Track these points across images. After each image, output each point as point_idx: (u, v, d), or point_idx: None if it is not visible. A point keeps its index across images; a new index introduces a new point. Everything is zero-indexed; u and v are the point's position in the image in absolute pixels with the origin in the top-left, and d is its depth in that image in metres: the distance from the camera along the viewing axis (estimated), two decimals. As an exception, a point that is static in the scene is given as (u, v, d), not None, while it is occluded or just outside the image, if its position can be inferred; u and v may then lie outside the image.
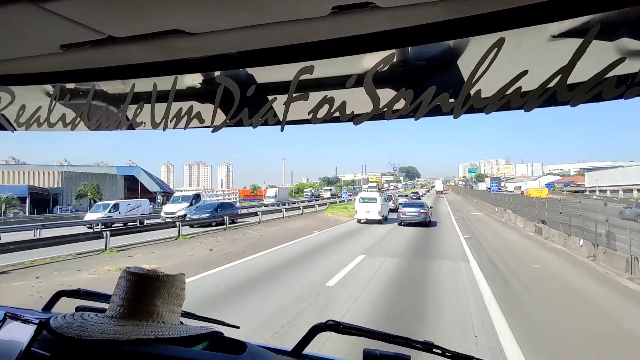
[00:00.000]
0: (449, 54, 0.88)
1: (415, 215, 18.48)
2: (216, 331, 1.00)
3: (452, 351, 0.99)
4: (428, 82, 0.87)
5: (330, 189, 77.74)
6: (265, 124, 1.05)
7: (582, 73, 0.73)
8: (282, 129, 1.05)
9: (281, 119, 1.03)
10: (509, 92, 0.79)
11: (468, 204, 43.26)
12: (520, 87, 0.79)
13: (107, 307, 1.22)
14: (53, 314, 1.17)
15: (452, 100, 0.85)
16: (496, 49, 0.79)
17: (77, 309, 1.24)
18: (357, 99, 0.95)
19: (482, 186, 78.21)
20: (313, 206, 32.73)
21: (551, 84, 0.76)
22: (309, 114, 1.00)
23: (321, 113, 0.99)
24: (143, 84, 1.16)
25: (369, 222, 19.76)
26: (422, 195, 50.43)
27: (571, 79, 0.74)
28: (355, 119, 0.96)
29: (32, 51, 0.91)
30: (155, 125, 1.18)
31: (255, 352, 0.90)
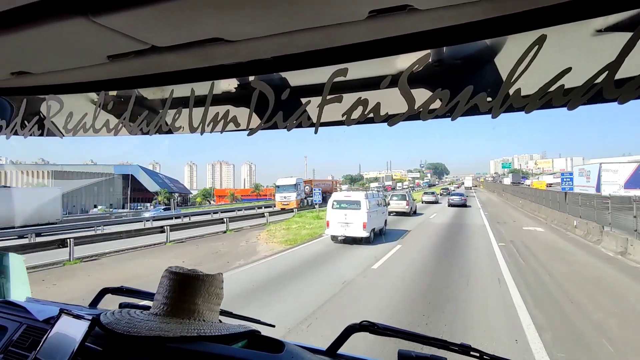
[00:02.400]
0: (487, 52, 0.89)
1: (459, 200, 29.73)
2: (254, 330, 1.05)
3: (489, 354, 1.00)
4: (465, 82, 0.88)
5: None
6: (300, 126, 1.09)
7: (631, 68, 0.72)
8: (316, 131, 1.08)
9: (315, 122, 1.07)
10: (551, 90, 0.79)
11: (510, 206, 29.83)
12: (563, 85, 0.78)
13: (147, 304, 1.31)
14: (101, 310, 1.27)
15: (490, 99, 0.86)
16: (537, 46, 0.79)
17: (121, 305, 1.34)
18: (391, 100, 0.97)
19: (506, 180, 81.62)
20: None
21: (597, 81, 0.75)
22: (342, 115, 1.03)
23: (355, 114, 1.02)
24: (181, 90, 1.24)
25: (352, 240, 12.37)
26: (440, 195, 46.88)
27: (619, 75, 0.73)
28: (390, 119, 0.98)
29: (81, 62, 0.99)
30: (193, 130, 1.25)
31: (292, 351, 0.95)
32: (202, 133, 1.24)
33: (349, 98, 1.02)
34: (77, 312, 1.13)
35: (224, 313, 1.30)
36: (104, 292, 1.50)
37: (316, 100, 1.06)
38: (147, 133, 1.33)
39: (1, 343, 1.03)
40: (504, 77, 0.84)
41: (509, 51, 0.85)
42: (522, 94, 0.83)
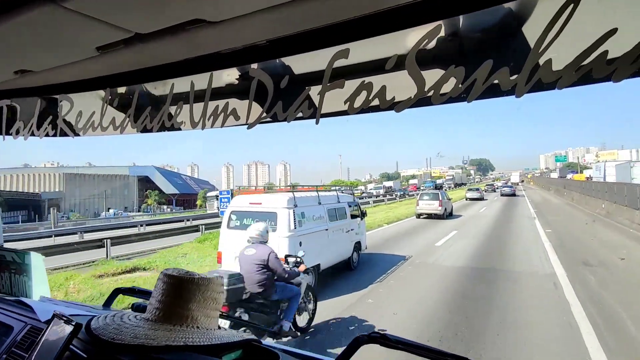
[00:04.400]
0: (508, 19, 0.76)
1: (509, 191, 39.03)
2: (251, 339, 0.99)
3: None
4: (483, 57, 0.76)
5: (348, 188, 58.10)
6: (300, 117, 1.02)
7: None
8: (317, 122, 1.00)
9: (316, 111, 0.99)
10: (589, 59, 0.65)
11: (585, 212, 19.88)
12: (606, 52, 0.64)
13: None
14: (104, 312, 1.28)
15: (514, 76, 0.73)
16: (572, 5, 0.66)
17: (132, 306, 1.34)
18: (398, 83, 0.87)
19: (553, 175, 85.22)
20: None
21: (651, 44, 0.61)
22: (345, 103, 0.95)
23: (358, 101, 0.93)
24: (181, 84, 1.21)
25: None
26: (485, 191, 43.69)
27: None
28: (397, 105, 0.88)
29: (72, 56, 0.99)
30: (194, 125, 1.22)
31: None
32: (203, 128, 1.21)
33: (352, 84, 0.93)
34: (71, 316, 1.14)
35: (227, 318, 1.26)
36: (117, 292, 1.52)
37: (317, 88, 0.99)
38: (151, 130, 1.32)
39: (6, 343, 1.05)
40: (530, 47, 0.71)
41: (536, 15, 0.71)
42: (554, 66, 0.69)
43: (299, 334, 4.36)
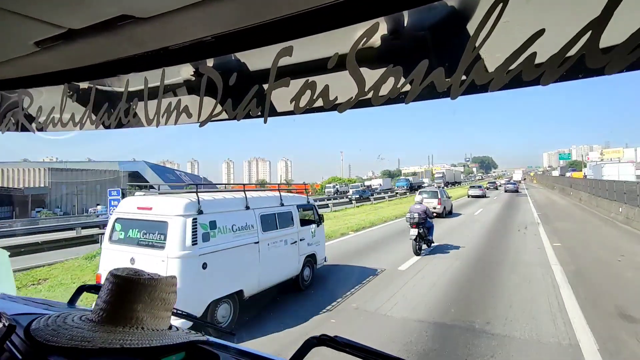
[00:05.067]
0: (444, 17, 0.74)
1: (512, 187, 41.85)
2: (196, 340, 0.98)
3: None
4: (419, 56, 0.74)
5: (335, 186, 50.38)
6: (248, 116, 1.00)
7: (618, 30, 0.55)
8: (265, 121, 0.99)
9: (264, 109, 0.98)
10: (518, 61, 0.63)
11: (599, 217, 16.95)
12: (534, 54, 0.62)
13: None
14: (70, 310, 1.27)
15: (449, 77, 0.71)
16: (501, 4, 0.63)
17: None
18: (340, 83, 0.85)
19: (554, 173, 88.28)
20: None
21: (577, 46, 0.58)
22: (290, 102, 0.93)
23: (303, 101, 0.91)
24: (135, 81, 1.19)
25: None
26: (487, 189, 42.90)
27: (605, 39, 0.56)
28: (339, 106, 0.86)
29: (11, 53, 0.97)
30: (149, 122, 1.21)
31: None
32: (157, 125, 1.19)
33: (297, 83, 0.91)
34: (29, 313, 1.12)
35: (183, 317, 1.26)
36: (81, 289, 1.51)
37: (265, 86, 0.97)
38: (109, 126, 1.30)
39: None
40: (463, 48, 0.68)
41: (470, 13, 0.69)
42: (487, 68, 0.67)
43: None
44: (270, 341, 4.40)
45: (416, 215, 8.94)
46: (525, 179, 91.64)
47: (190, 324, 2.86)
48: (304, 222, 6.67)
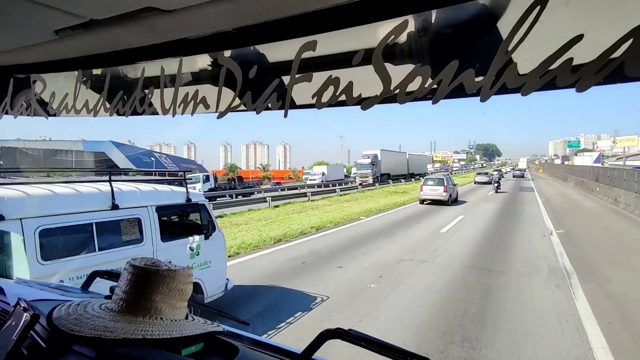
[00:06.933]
0: (476, 17, 0.73)
1: (519, 173, 53.32)
2: (214, 331, 1.01)
3: None
4: (449, 56, 0.73)
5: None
6: (268, 109, 1.00)
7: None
8: (285, 115, 0.98)
9: (284, 103, 0.97)
10: (554, 65, 0.63)
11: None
12: (571, 59, 0.61)
13: None
14: (79, 296, 1.30)
15: (479, 78, 0.71)
16: (538, 7, 0.62)
17: (111, 288, 1.36)
18: (365, 79, 0.84)
19: (557, 161, 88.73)
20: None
21: (617, 53, 0.58)
22: (312, 97, 0.92)
23: (326, 96, 0.90)
24: (151, 70, 1.19)
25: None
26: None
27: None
28: (364, 102, 0.86)
29: (30, 39, 0.97)
30: (165, 111, 1.21)
31: (247, 358, 0.89)
32: (173, 115, 1.19)
33: (320, 77, 0.91)
34: (46, 299, 1.15)
35: (199, 307, 1.29)
36: (94, 275, 1.54)
37: (286, 80, 0.96)
38: (124, 114, 1.30)
39: None
40: (496, 50, 0.68)
41: (504, 14, 0.68)
42: (519, 71, 0.67)
43: None
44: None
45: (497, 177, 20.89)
46: (529, 167, 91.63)
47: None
48: (176, 233, 4.46)
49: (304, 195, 22.91)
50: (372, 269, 7.38)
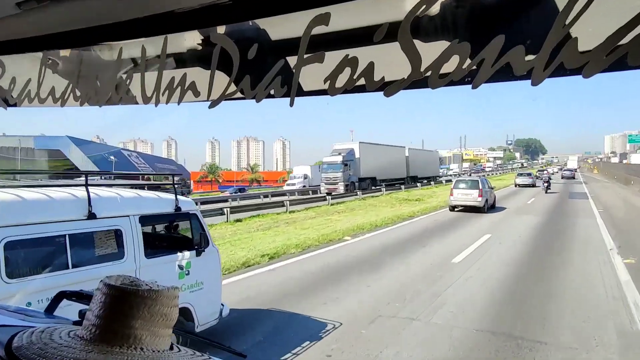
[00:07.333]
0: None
1: (569, 174, 57.76)
2: None
3: None
4: (493, 31, 0.73)
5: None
6: (270, 96, 1.00)
7: None
8: (291, 103, 0.98)
9: (290, 89, 0.97)
10: (625, 40, 0.62)
11: None
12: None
13: None
14: (52, 320, 1.30)
15: (530, 57, 0.70)
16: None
17: (80, 312, 1.37)
18: (389, 59, 0.84)
19: (613, 159, 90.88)
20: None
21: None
22: (325, 81, 0.92)
23: (341, 80, 0.90)
24: (130, 50, 1.19)
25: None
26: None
27: None
28: (387, 87, 0.85)
29: None
30: (147, 100, 1.21)
31: None
32: (156, 104, 1.19)
33: (333, 58, 0.90)
34: (6, 325, 1.16)
35: (186, 335, 1.29)
36: (60, 296, 1.55)
37: (292, 61, 0.96)
38: (97, 104, 1.31)
39: None
40: (551, 23, 0.67)
41: None
42: (580, 48, 0.66)
43: None
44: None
45: (547, 177, 27.41)
46: (580, 167, 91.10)
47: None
48: (163, 248, 4.39)
49: (282, 204, 20.83)
50: (324, 340, 5.06)
